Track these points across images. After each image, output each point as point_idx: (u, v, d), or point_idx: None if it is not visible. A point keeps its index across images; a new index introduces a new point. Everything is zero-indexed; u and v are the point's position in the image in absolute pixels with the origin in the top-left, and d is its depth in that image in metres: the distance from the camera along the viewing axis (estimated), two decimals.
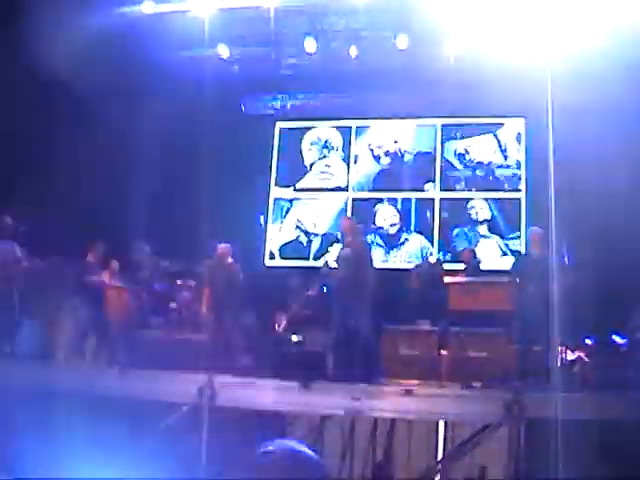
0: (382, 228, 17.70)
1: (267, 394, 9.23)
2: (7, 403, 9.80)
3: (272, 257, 17.75)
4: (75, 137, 14.94)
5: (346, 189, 18.25)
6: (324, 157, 18.63)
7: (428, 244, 17.30)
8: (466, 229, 17.15)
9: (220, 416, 9.17)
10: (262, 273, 16.86)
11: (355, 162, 18.35)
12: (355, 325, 11.08)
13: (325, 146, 18.70)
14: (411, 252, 17.40)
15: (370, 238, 17.55)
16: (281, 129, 18.87)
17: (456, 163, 17.64)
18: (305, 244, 17.85)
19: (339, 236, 12.09)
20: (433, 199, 17.54)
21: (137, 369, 10.32)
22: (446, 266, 14.89)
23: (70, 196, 14.69)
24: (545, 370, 10.79)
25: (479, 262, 14.68)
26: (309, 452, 2.71)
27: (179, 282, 14.26)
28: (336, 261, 11.78)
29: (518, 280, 11.37)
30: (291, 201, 18.26)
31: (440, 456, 11.05)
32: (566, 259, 10.73)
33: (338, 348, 11.54)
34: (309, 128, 18.85)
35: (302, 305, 13.29)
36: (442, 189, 17.54)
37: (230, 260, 12.87)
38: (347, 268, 11.31)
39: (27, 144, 14.43)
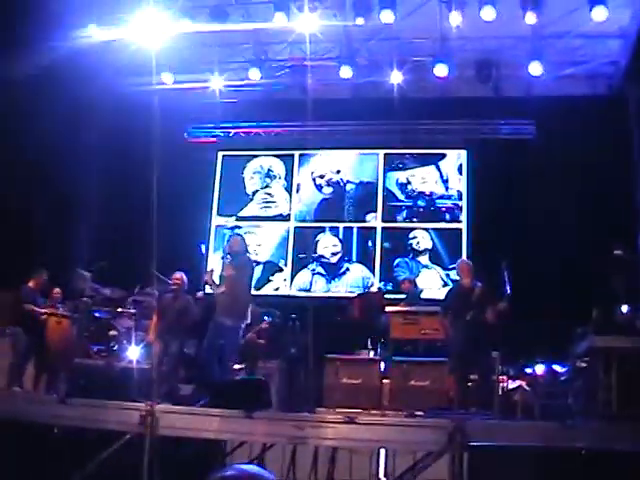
0: (324, 257, 17.74)
1: (210, 422, 9.16)
2: None
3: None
4: (14, 164, 14.78)
5: (288, 218, 18.27)
6: (266, 186, 18.65)
7: (369, 273, 17.37)
8: (407, 259, 17.25)
9: (161, 445, 9.08)
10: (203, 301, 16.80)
11: (297, 191, 18.39)
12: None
13: (267, 175, 18.72)
14: (353, 281, 17.45)
15: (312, 267, 17.60)
16: (224, 157, 18.85)
17: (398, 193, 17.76)
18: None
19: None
20: (375, 228, 17.63)
21: (77, 397, 10.17)
22: (387, 295, 14.94)
23: (10, 223, 14.50)
24: (486, 399, 10.89)
25: (420, 291, 14.78)
26: (266, 473, 2.71)
27: (120, 310, 14.10)
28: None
29: (450, 311, 11.47)
30: (232, 229, 18.20)
31: None
32: (508, 288, 10.84)
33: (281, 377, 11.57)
34: (252, 157, 18.86)
35: (255, 336, 13.26)
36: (384, 219, 17.64)
37: (181, 288, 12.78)
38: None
39: None
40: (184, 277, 12.78)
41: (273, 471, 9.23)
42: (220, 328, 11.29)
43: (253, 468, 2.71)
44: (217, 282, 11.77)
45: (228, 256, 11.97)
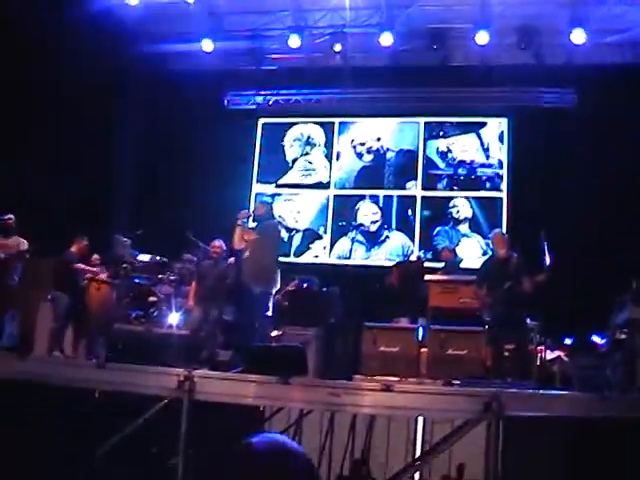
0: (363, 225, 17.73)
1: (247, 388, 9.21)
2: None
3: None
4: (57, 131, 14.90)
5: (328, 186, 18.26)
6: (306, 154, 18.63)
7: (409, 242, 17.34)
8: (447, 227, 17.20)
9: (199, 410, 9.17)
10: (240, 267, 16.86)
11: (337, 159, 18.36)
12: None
13: (307, 142, 18.70)
14: (392, 249, 17.43)
15: (351, 235, 17.60)
16: (263, 125, 18.84)
17: (438, 161, 17.68)
18: (286, 240, 17.83)
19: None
20: (415, 197, 17.58)
21: (116, 362, 10.28)
22: (427, 264, 14.91)
23: (52, 191, 14.65)
24: (523, 369, 10.86)
25: (460, 260, 14.73)
26: (296, 446, 2.71)
27: (160, 276, 14.21)
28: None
29: (486, 282, 11.42)
30: (273, 197, 18.21)
31: (418, 452, 11.10)
32: (547, 258, 10.76)
33: (319, 344, 11.60)
34: (292, 124, 18.84)
35: (282, 298, 13.28)
36: (424, 187, 17.58)
37: (221, 256, 12.85)
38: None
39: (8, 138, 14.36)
40: (223, 245, 12.82)
41: (311, 437, 9.36)
42: (249, 295, 11.36)
43: (280, 437, 2.72)
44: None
45: (250, 221, 12.00)
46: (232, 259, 13.21)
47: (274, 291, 11.76)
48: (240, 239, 11.84)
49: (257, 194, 18.36)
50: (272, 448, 2.66)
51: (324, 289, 13.70)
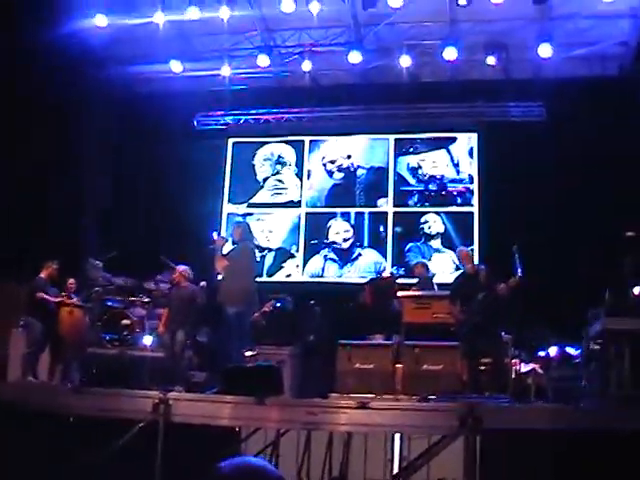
0: (335, 243, 17.73)
1: (222, 410, 9.17)
2: None
3: None
4: (25, 154, 14.81)
5: (299, 204, 18.26)
6: (277, 172, 18.63)
7: (382, 259, 17.36)
8: (419, 243, 17.23)
9: (175, 433, 9.10)
10: (216, 289, 16.81)
11: (308, 177, 18.36)
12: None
13: (278, 161, 18.69)
14: (365, 267, 17.44)
15: (324, 253, 17.60)
16: (234, 144, 18.82)
17: (409, 178, 17.72)
18: (259, 259, 17.80)
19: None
20: (386, 213, 17.61)
21: (91, 386, 10.21)
22: (400, 280, 14.92)
23: (22, 217, 14.55)
24: (499, 382, 10.89)
25: (433, 276, 14.75)
26: (270, 467, 2.69)
27: (132, 299, 14.15)
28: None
29: (458, 298, 11.48)
30: (244, 216, 18.20)
31: (396, 469, 11.07)
32: (519, 271, 10.81)
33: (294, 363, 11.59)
34: (262, 143, 18.83)
35: (260, 317, 13.26)
36: (395, 203, 17.61)
37: (186, 281, 12.81)
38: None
39: None
40: (187, 270, 12.83)
41: (288, 456, 9.30)
42: (226, 317, 11.35)
43: (250, 459, 2.70)
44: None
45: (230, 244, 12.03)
46: (203, 283, 13.18)
47: (251, 311, 11.76)
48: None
49: (228, 214, 18.33)
50: (241, 471, 2.64)
51: (308, 306, 13.73)
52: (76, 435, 9.83)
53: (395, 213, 17.58)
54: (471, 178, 17.28)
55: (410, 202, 17.62)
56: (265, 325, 13.19)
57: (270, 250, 17.78)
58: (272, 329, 13.23)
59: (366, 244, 17.61)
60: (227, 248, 12.16)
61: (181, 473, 8.48)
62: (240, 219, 18.04)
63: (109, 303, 13.97)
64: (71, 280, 13.52)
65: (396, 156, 17.90)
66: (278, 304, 13.86)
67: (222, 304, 11.46)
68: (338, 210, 17.97)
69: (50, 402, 9.87)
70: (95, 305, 13.64)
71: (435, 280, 14.55)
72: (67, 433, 9.95)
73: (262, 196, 18.55)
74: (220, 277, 11.76)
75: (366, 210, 17.79)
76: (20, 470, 9.21)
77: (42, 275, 13.07)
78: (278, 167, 18.66)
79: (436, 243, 17.15)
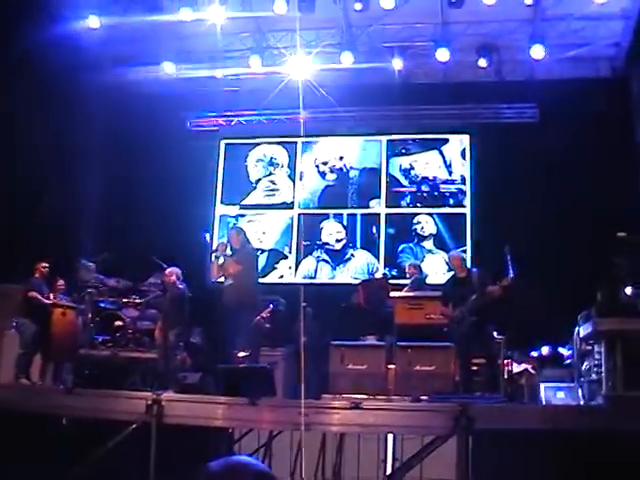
0: (328, 244, 17.75)
1: (215, 411, 9.18)
2: None
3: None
4: (19, 154, 14.80)
5: (292, 205, 18.27)
6: (270, 174, 18.64)
7: (374, 260, 17.38)
8: (412, 244, 17.26)
9: (168, 433, 9.12)
10: (208, 291, 16.81)
11: (301, 178, 18.38)
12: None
13: (271, 163, 18.72)
14: (357, 268, 17.47)
15: (317, 254, 17.61)
16: (226, 145, 18.83)
17: (401, 179, 17.75)
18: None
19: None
20: (379, 214, 17.63)
21: (84, 388, 10.21)
22: (392, 281, 14.94)
23: (15, 215, 14.54)
24: (491, 383, 10.92)
25: (425, 277, 14.77)
26: (257, 464, 2.71)
27: (125, 300, 14.14)
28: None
29: (451, 299, 11.52)
30: (237, 218, 18.23)
31: (389, 470, 11.09)
32: (511, 272, 10.83)
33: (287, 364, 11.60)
34: (254, 145, 18.85)
35: (263, 320, 13.28)
36: (388, 205, 17.64)
37: (176, 283, 12.80)
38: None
39: None
40: (176, 272, 12.83)
41: (281, 457, 9.32)
42: (231, 318, 11.32)
43: (241, 458, 2.72)
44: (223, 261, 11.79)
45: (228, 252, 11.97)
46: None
47: (254, 314, 11.79)
48: (219, 271, 11.82)
49: (221, 215, 18.35)
50: (228, 468, 2.66)
51: (290, 309, 13.70)
52: (69, 436, 9.85)
53: (387, 214, 17.60)
54: (463, 179, 17.32)
55: (402, 203, 17.65)
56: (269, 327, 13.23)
57: (263, 251, 17.76)
58: (269, 331, 13.26)
59: (359, 245, 17.64)
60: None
61: (174, 474, 8.49)
62: (233, 220, 18.07)
63: (102, 304, 13.96)
64: (60, 281, 13.49)
65: (388, 157, 17.94)
66: (271, 305, 13.85)
67: (231, 308, 11.40)
68: (331, 211, 18.00)
69: (43, 403, 9.88)
70: (88, 306, 13.62)
71: (428, 281, 14.60)
72: (60, 434, 9.97)
73: (255, 197, 18.56)
74: (229, 281, 11.68)
75: (359, 211, 17.81)
76: (13, 472, 9.21)
77: (36, 275, 13.07)
78: (271, 168, 18.68)
79: (429, 244, 17.18)
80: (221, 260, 11.67)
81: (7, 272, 13.13)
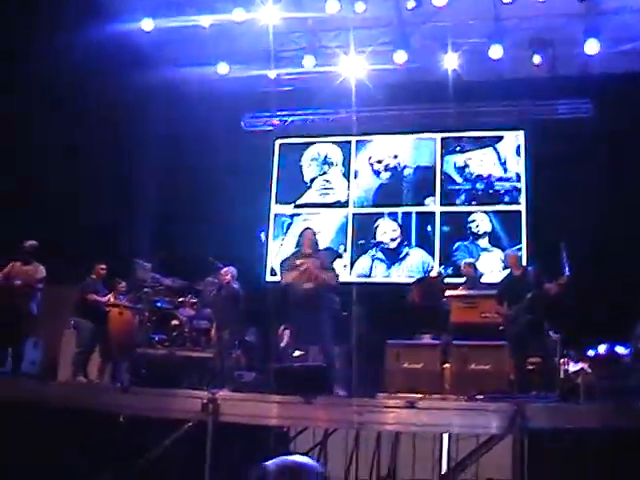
0: (383, 243, 17.72)
1: (271, 409, 9.23)
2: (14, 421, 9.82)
3: (273, 273, 17.72)
4: (77, 156, 15.02)
5: (346, 204, 18.28)
6: (324, 173, 18.66)
7: (429, 258, 17.32)
8: (467, 242, 17.16)
9: (224, 432, 9.18)
10: (264, 289, 16.87)
11: (355, 177, 18.37)
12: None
13: (325, 162, 18.72)
14: (412, 266, 17.41)
15: (371, 253, 17.60)
16: (281, 145, 18.89)
17: (456, 177, 17.67)
18: None
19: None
20: (434, 213, 17.56)
21: (140, 387, 10.33)
22: (447, 280, 14.89)
23: (72, 216, 14.75)
24: (547, 382, 10.84)
25: (480, 275, 14.70)
26: (310, 463, 2.73)
27: (181, 299, 14.27)
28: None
29: (507, 297, 11.47)
30: (292, 217, 18.30)
31: (444, 469, 11.06)
32: (567, 269, 10.74)
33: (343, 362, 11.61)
34: (309, 144, 18.87)
35: None
36: (442, 203, 17.56)
37: (231, 282, 12.88)
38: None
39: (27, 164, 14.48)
40: (231, 271, 12.91)
41: (336, 456, 9.35)
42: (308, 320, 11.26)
43: (297, 459, 2.74)
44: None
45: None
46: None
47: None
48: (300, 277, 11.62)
49: (276, 214, 18.41)
50: (284, 469, 2.68)
51: (345, 308, 13.69)
52: (126, 434, 9.97)
53: (442, 212, 17.52)
54: (518, 176, 17.17)
55: (457, 201, 17.55)
56: None
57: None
58: None
59: (414, 244, 17.58)
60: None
61: (230, 471, 8.56)
62: (288, 220, 18.14)
63: (158, 304, 14.09)
64: (122, 282, 13.69)
65: (443, 155, 17.85)
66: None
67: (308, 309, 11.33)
68: (385, 210, 17.96)
69: (100, 401, 10.01)
70: (144, 306, 13.76)
71: (483, 279, 14.52)
72: (117, 432, 10.10)
73: (309, 196, 18.60)
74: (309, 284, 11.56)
75: (413, 209, 17.75)
76: (72, 467, 9.36)
77: (93, 276, 13.25)
78: (325, 167, 18.70)
79: (484, 242, 17.07)
80: (304, 266, 11.52)
81: (64, 273, 13.31)
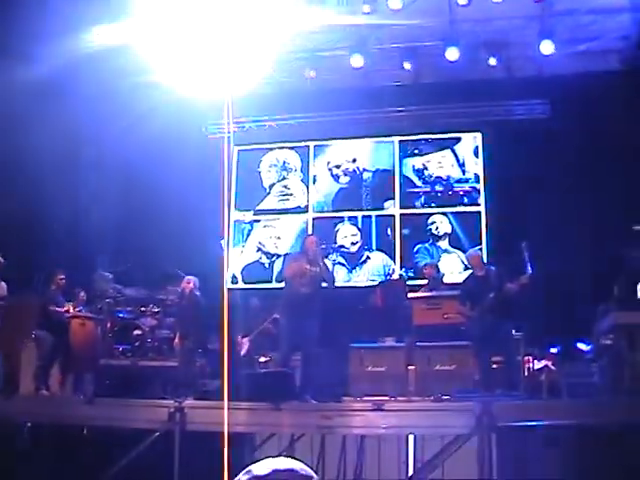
0: (344, 247, 17.71)
1: (238, 416, 9.20)
2: None
3: (234, 281, 17.68)
4: (37, 165, 14.87)
5: (306, 209, 18.26)
6: (283, 179, 18.62)
7: (390, 261, 17.35)
8: (427, 244, 17.22)
9: (190, 441, 9.14)
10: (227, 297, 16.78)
11: (314, 182, 18.35)
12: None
13: (284, 167, 18.69)
14: (373, 270, 17.43)
15: (332, 257, 17.59)
16: (239, 152, 18.84)
17: (415, 179, 17.72)
18: (267, 266, 17.85)
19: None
20: (393, 216, 17.59)
21: (104, 397, 10.25)
22: (409, 282, 14.94)
23: (32, 226, 14.60)
24: (511, 380, 10.91)
25: (442, 276, 14.77)
26: (305, 470, 2.68)
27: (143, 309, 14.20)
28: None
29: (469, 298, 11.54)
30: (251, 223, 18.25)
31: (411, 470, 11.09)
32: (529, 268, 10.83)
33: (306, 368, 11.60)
34: (267, 150, 18.84)
35: (270, 326, 13.29)
36: (402, 206, 17.59)
37: (193, 290, 12.88)
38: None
39: None
40: (193, 280, 12.93)
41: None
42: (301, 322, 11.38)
43: (286, 463, 2.68)
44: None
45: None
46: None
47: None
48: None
49: (236, 221, 18.35)
50: (275, 475, 2.63)
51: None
52: (90, 447, 9.89)
53: (402, 215, 17.55)
54: (477, 177, 17.27)
55: (417, 203, 17.60)
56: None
57: (278, 256, 17.77)
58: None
59: (374, 247, 17.59)
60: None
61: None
62: (248, 226, 18.10)
63: (120, 314, 14.02)
64: (82, 292, 13.59)
65: (401, 158, 17.89)
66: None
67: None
68: (345, 214, 17.97)
69: (64, 414, 9.93)
70: (106, 316, 13.68)
71: (444, 280, 14.59)
72: (81, 445, 10.01)
73: (269, 202, 18.56)
74: (305, 288, 11.65)
75: (373, 213, 17.77)
76: None
77: (52, 287, 13.14)
78: (284, 173, 18.66)
79: (444, 243, 17.14)
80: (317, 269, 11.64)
81: (23, 285, 13.19)
